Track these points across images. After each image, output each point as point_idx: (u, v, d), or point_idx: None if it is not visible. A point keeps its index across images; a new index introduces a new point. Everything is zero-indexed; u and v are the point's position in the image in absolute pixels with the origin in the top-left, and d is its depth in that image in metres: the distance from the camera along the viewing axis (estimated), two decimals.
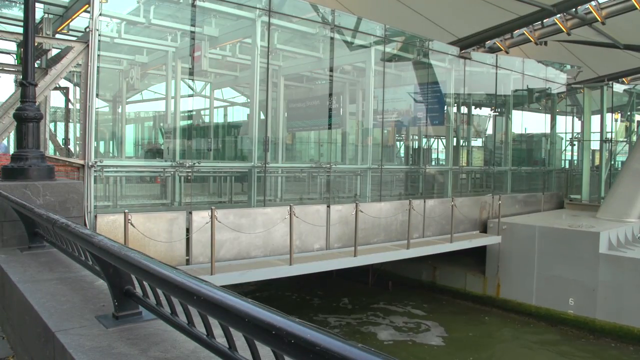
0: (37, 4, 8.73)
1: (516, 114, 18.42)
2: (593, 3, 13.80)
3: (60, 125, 15.51)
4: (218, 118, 18.75)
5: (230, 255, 9.12)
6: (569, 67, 19.27)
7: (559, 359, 11.08)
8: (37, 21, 8.95)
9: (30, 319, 3.25)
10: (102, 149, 16.05)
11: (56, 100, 13.54)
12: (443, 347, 11.48)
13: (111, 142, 16.43)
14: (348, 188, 13.66)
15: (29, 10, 5.51)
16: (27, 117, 5.49)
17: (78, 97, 13.28)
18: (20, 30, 6.16)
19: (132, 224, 7.62)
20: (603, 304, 11.89)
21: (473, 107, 18.30)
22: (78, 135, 12.61)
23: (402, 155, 19.50)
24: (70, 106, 13.41)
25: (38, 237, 4.90)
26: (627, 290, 11.59)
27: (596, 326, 11.94)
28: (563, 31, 15.08)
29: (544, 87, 18.83)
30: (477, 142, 19.44)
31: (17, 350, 3.76)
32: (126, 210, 7.67)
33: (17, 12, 11.52)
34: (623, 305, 11.61)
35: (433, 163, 19.10)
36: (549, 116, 19.82)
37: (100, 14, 8.07)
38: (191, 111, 16.39)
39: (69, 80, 12.89)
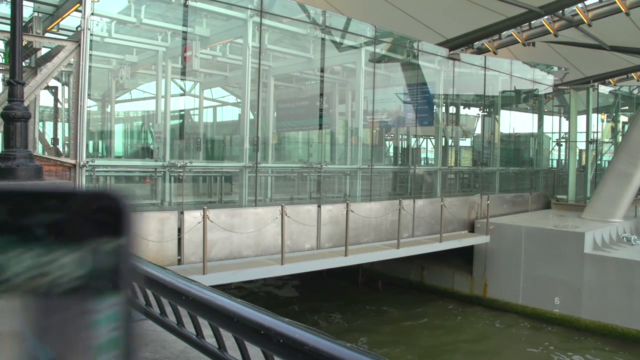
0: (27, 3, 8.68)
1: (504, 115, 18.62)
2: (580, 5, 13.98)
3: (49, 125, 15.36)
4: (208, 118, 18.71)
5: (222, 255, 9.13)
6: (555, 68, 19.50)
7: (544, 356, 11.22)
8: (27, 20, 8.90)
9: None
10: (90, 149, 15.92)
11: (44, 99, 13.43)
12: (431, 347, 11.57)
13: (100, 142, 16.31)
14: (338, 188, 13.71)
15: (16, 8, 5.49)
16: (14, 116, 5.46)
17: (67, 96, 13.18)
18: (9, 28, 6.12)
19: None
20: (588, 304, 12.07)
21: (462, 107, 18.45)
22: (67, 134, 12.51)
23: (392, 155, 19.59)
24: (58, 105, 13.30)
25: None
26: (611, 289, 11.77)
27: (581, 325, 12.11)
28: (550, 32, 15.26)
29: (532, 88, 19.04)
30: (466, 143, 19.61)
31: None
32: None
33: (6, 8, 11.41)
34: (607, 305, 11.79)
35: (422, 163, 19.23)
36: (536, 116, 20.05)
37: (92, 13, 8.04)
38: (181, 111, 16.33)
39: (58, 80, 12.79)
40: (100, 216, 0.29)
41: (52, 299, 0.28)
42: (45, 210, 0.28)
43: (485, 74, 16.32)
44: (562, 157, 21.46)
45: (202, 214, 8.24)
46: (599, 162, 18.53)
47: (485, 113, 18.42)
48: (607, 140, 19.21)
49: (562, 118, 21.59)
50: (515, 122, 19.94)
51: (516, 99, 19.30)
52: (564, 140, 20.89)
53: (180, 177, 10.37)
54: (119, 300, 0.29)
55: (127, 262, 0.30)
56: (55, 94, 13.22)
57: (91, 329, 0.28)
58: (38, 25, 9.00)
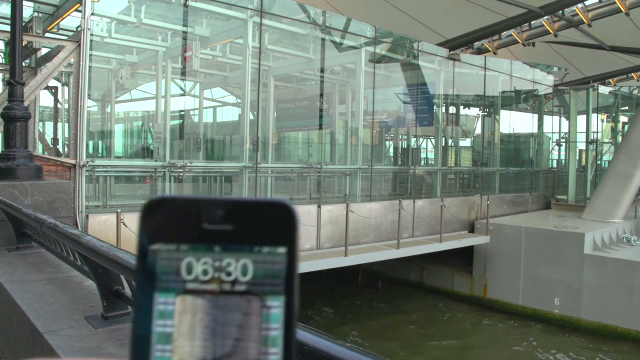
0: (27, 3, 8.68)
1: (504, 115, 18.61)
2: (580, 5, 13.98)
3: (49, 125, 15.36)
4: (208, 118, 18.71)
5: None
6: (555, 68, 19.50)
7: (544, 357, 11.22)
8: (27, 20, 8.90)
9: (18, 320, 3.25)
10: (90, 149, 15.92)
11: (44, 99, 13.43)
12: (430, 347, 11.57)
13: (100, 142, 16.32)
14: (338, 188, 13.70)
15: (16, 8, 5.49)
16: (14, 116, 5.47)
17: (67, 96, 13.18)
18: (9, 28, 6.13)
19: (124, 224, 7.60)
20: (588, 304, 12.06)
21: (462, 107, 18.45)
22: (67, 135, 12.52)
23: (392, 155, 19.59)
24: (58, 105, 13.30)
25: (26, 238, 4.88)
26: (610, 290, 11.77)
27: (581, 325, 12.11)
28: (550, 33, 15.27)
29: (532, 88, 19.04)
30: (466, 143, 19.61)
31: (5, 353, 3.76)
32: (119, 210, 7.65)
33: (6, 8, 11.41)
34: (607, 305, 11.78)
35: (422, 163, 19.23)
36: (536, 116, 20.04)
37: (92, 13, 8.03)
38: (181, 111, 16.34)
39: (58, 80, 12.80)
40: (275, 224, 0.34)
41: (232, 297, 0.33)
42: (225, 219, 0.34)
43: (485, 74, 16.32)
44: (562, 157, 21.46)
45: None
46: (599, 162, 18.53)
47: (485, 113, 18.42)
48: (607, 140, 19.22)
49: (562, 118, 21.58)
50: (515, 122, 19.96)
51: (516, 99, 19.29)
52: (564, 140, 20.88)
53: (180, 178, 10.37)
54: (286, 303, 0.34)
55: (294, 268, 0.34)
56: (55, 94, 13.23)
57: (264, 324, 0.33)
58: (38, 25, 9.00)
